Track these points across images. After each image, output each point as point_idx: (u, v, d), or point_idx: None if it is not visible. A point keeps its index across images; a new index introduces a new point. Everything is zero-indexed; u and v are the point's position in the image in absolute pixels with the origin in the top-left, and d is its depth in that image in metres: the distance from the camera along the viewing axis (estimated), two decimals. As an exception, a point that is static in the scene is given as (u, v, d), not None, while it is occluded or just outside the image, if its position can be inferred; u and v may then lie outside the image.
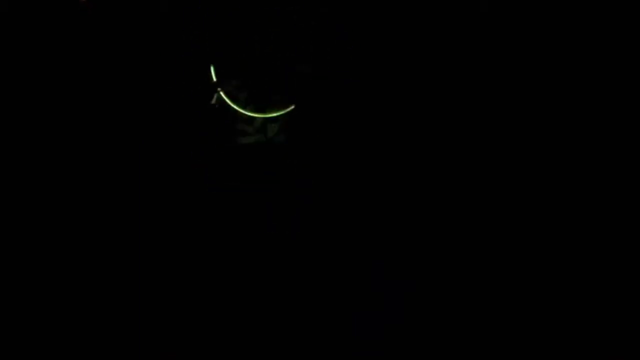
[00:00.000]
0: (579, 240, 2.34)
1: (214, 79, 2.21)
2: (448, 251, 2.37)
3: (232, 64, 2.46)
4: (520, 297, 2.31)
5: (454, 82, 2.44)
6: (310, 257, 2.39)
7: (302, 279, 2.37)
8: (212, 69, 2.19)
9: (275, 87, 2.46)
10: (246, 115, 2.41)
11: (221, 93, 2.23)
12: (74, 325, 2.30)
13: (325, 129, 2.47)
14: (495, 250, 2.36)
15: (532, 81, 2.42)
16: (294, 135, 2.47)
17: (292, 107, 2.28)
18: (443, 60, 2.45)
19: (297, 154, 2.46)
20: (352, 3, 2.47)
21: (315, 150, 2.46)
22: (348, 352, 2.29)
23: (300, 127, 2.47)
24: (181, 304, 2.34)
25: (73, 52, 2.43)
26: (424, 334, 2.30)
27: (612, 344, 2.25)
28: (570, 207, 2.36)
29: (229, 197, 2.42)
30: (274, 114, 2.39)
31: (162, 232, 2.39)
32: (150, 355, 2.29)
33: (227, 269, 2.38)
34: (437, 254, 2.37)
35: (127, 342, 2.29)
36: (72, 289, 2.33)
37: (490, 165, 2.41)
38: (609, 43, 2.40)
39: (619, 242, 2.33)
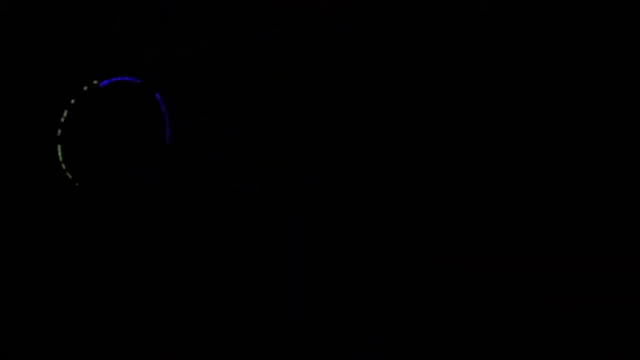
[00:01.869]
0: (579, 240, 2.34)
1: None
2: (448, 251, 2.38)
3: (231, 64, 2.47)
4: (520, 296, 2.32)
5: (454, 82, 2.44)
6: (310, 257, 2.39)
7: (302, 278, 2.37)
8: None
9: (275, 87, 2.47)
10: None
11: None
12: (73, 325, 2.30)
13: (325, 129, 2.47)
14: (496, 249, 2.36)
15: (533, 81, 2.43)
16: (294, 135, 2.47)
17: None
18: (442, 60, 2.45)
19: (297, 154, 2.47)
20: (352, 3, 2.47)
21: (314, 150, 2.47)
22: (348, 352, 2.29)
23: (300, 127, 2.47)
24: (181, 304, 2.34)
25: (73, 52, 2.43)
26: (423, 334, 2.30)
27: (612, 344, 2.25)
28: (570, 207, 2.37)
29: (229, 197, 2.42)
30: None
31: (161, 232, 2.39)
32: (151, 355, 2.29)
33: (226, 268, 2.38)
34: (436, 254, 2.38)
35: (127, 342, 2.29)
36: (72, 288, 2.33)
37: (491, 164, 2.41)
38: (609, 43, 2.40)
39: (619, 241, 2.33)
